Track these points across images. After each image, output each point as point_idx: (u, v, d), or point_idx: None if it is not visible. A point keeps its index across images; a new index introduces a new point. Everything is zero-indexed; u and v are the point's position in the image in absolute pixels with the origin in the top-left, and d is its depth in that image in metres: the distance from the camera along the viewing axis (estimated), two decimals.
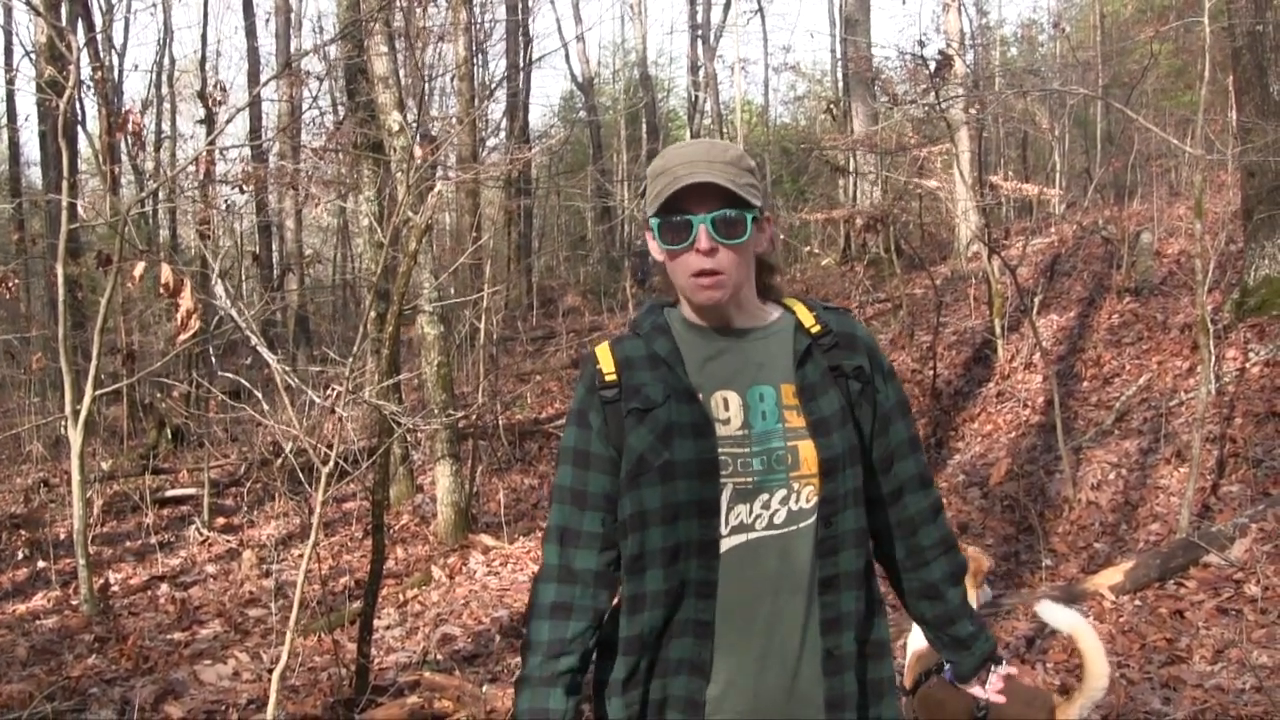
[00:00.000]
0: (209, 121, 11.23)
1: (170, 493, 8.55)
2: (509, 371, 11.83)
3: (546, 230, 20.70)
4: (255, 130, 15.16)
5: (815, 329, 1.60)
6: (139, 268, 5.04)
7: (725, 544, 1.50)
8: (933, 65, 8.19)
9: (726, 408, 1.54)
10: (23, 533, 7.16)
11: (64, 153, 6.80)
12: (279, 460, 7.52)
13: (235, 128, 17.13)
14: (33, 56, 10.54)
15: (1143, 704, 3.53)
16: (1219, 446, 5.73)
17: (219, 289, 3.65)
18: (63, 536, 7.09)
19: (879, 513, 1.66)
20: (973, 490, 6.66)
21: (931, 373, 8.40)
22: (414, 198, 5.07)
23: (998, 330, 8.50)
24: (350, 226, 16.35)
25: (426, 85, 10.22)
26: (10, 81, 11.51)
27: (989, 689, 1.72)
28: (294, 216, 17.16)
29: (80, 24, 10.32)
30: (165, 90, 15.61)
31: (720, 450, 1.50)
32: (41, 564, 6.67)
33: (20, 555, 6.94)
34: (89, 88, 7.78)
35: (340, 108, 12.41)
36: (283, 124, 14.62)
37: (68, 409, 5.81)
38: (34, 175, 17.20)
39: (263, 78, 15.74)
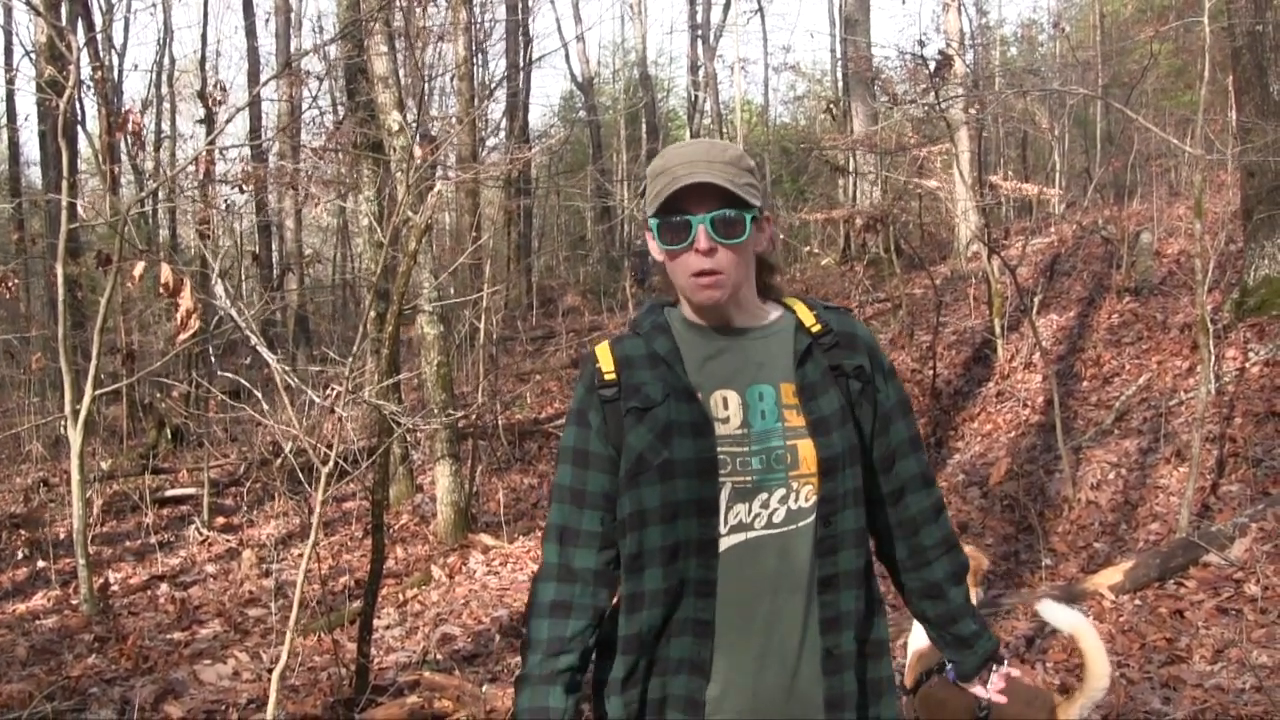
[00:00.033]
0: (209, 121, 11.24)
1: (170, 492, 8.55)
2: (509, 371, 11.83)
3: (546, 230, 20.71)
4: (255, 130, 15.16)
5: (816, 328, 1.60)
6: (139, 267, 5.04)
7: (724, 543, 1.50)
8: (933, 65, 8.20)
9: (726, 407, 1.54)
10: (23, 532, 7.16)
11: (64, 152, 6.79)
12: (279, 460, 7.52)
13: (235, 127, 17.16)
14: (33, 56, 10.54)
15: (1143, 704, 3.53)
16: (1219, 446, 5.73)
17: (219, 289, 3.65)
18: (62, 536, 7.09)
19: (881, 512, 1.66)
20: (972, 490, 6.66)
21: (931, 372, 8.40)
22: (414, 197, 5.07)
23: (997, 330, 8.50)
24: (350, 226, 16.35)
25: (426, 85, 10.22)
26: (10, 81, 11.51)
27: (991, 688, 1.72)
28: (294, 216, 17.16)
29: (80, 24, 10.32)
30: (165, 90, 15.60)
31: (719, 449, 1.51)
32: (41, 564, 6.67)
33: (20, 555, 6.94)
34: (89, 87, 7.78)
35: (340, 108, 12.40)
36: (283, 124, 14.62)
37: (67, 409, 5.81)
38: (34, 175, 17.22)
39: (263, 78, 15.74)
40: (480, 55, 15.87)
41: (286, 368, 3.63)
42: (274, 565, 6.45)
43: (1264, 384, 6.09)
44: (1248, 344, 6.51)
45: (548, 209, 20.39)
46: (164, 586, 6.41)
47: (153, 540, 7.07)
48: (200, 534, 7.49)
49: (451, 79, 12.85)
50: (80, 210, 6.89)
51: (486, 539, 7.02)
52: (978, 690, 1.73)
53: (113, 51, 15.04)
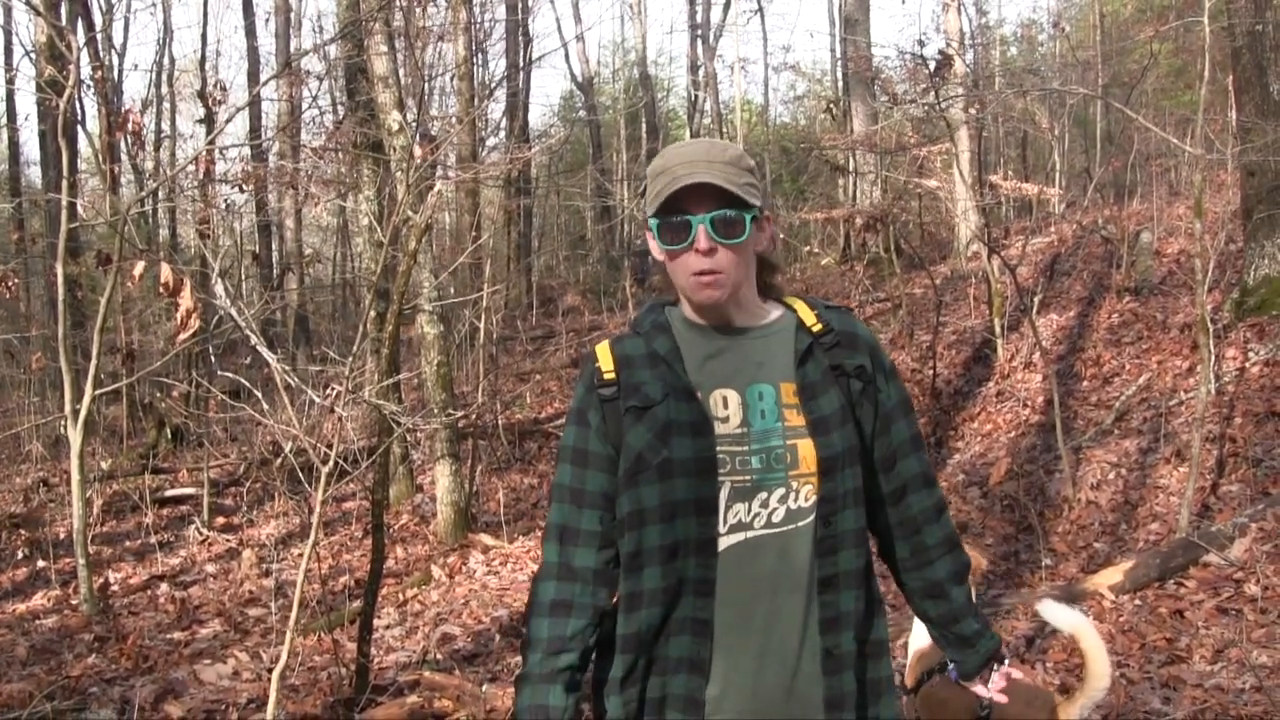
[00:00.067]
0: (209, 121, 11.24)
1: (170, 492, 8.55)
2: (509, 371, 11.83)
3: (546, 230, 20.71)
4: (255, 130, 15.17)
5: (817, 328, 1.60)
6: (139, 267, 5.04)
7: (723, 542, 1.50)
8: (932, 65, 8.20)
9: (725, 406, 1.54)
10: (23, 532, 7.16)
11: (64, 152, 6.80)
12: (279, 460, 7.52)
13: (235, 127, 17.14)
14: (33, 56, 10.53)
15: (1143, 704, 3.53)
16: (1219, 446, 5.73)
17: (219, 288, 3.65)
18: (62, 536, 7.09)
19: (882, 512, 1.66)
20: (972, 490, 6.66)
21: (931, 372, 8.40)
22: (414, 197, 5.07)
23: (997, 330, 8.50)
24: (350, 226, 16.35)
25: (426, 85, 10.22)
26: (10, 81, 11.51)
27: (992, 687, 1.72)
28: (294, 216, 17.16)
29: (80, 24, 10.32)
30: (165, 90, 15.59)
31: (719, 448, 1.50)
32: (41, 563, 6.67)
33: (20, 555, 6.94)
34: (89, 87, 7.78)
35: (340, 107, 12.41)
36: (283, 123, 14.62)
37: (67, 408, 5.81)
38: (34, 175, 17.22)
39: (263, 77, 15.74)
40: (480, 55, 15.88)
41: (286, 367, 3.63)
42: (274, 565, 6.45)
43: (1264, 384, 6.09)
44: (1248, 344, 6.51)
45: (548, 209, 20.39)
46: (164, 586, 6.41)
47: (153, 540, 7.07)
48: (200, 534, 7.49)
49: (451, 79, 12.85)
50: (80, 210, 6.89)
51: (486, 539, 7.02)
52: (979, 689, 1.73)
53: (113, 51, 15.05)
